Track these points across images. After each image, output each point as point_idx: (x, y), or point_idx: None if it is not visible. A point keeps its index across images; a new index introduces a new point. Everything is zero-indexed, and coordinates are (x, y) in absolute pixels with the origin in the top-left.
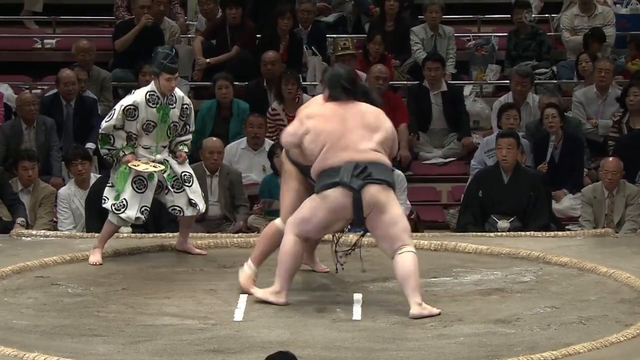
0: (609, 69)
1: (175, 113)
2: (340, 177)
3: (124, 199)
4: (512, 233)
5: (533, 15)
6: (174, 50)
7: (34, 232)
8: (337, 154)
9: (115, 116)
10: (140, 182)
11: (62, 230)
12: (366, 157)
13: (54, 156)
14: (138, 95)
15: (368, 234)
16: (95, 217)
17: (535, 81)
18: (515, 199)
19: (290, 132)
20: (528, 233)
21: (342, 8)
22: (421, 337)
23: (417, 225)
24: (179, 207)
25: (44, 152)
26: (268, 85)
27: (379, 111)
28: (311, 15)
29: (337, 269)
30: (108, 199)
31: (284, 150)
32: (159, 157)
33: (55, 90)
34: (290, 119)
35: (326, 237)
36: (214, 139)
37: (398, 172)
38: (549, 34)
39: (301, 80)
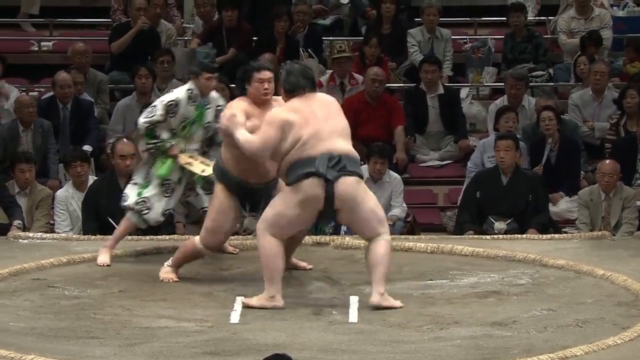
0: (604, 72)
1: (210, 114)
2: (316, 168)
3: (146, 197)
4: (508, 236)
5: (529, 18)
6: (213, 50)
7: (30, 234)
8: (314, 146)
9: (158, 112)
10: (168, 184)
11: (59, 233)
12: (341, 148)
13: (51, 159)
14: (179, 93)
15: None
16: (92, 219)
17: (532, 84)
18: (514, 201)
19: (267, 139)
20: (524, 236)
21: (339, 11)
22: (417, 340)
23: (414, 227)
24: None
25: (41, 155)
26: None
27: (334, 100)
28: (307, 17)
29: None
30: (129, 196)
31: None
32: (200, 158)
33: (51, 93)
34: None
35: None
36: None
37: (394, 174)
38: (546, 36)
39: None
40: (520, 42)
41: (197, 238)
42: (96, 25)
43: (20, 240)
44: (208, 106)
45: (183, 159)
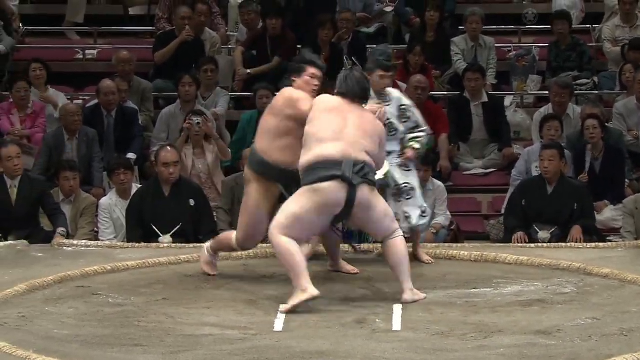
0: None
1: (390, 112)
2: (343, 171)
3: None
4: (552, 244)
5: (574, 26)
6: (389, 49)
7: (75, 242)
8: (334, 146)
9: None
10: None
11: (103, 240)
12: (363, 157)
13: (96, 167)
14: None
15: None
16: (136, 226)
17: (576, 92)
18: (559, 209)
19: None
20: (569, 244)
21: (383, 19)
22: (461, 348)
23: (457, 236)
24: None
25: (85, 163)
26: None
27: (376, 120)
28: (351, 25)
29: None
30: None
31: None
32: None
33: (96, 101)
34: None
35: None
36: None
37: (438, 182)
38: (590, 44)
39: None
40: (564, 50)
41: (233, 236)
42: (141, 33)
43: (64, 247)
44: (386, 104)
45: None
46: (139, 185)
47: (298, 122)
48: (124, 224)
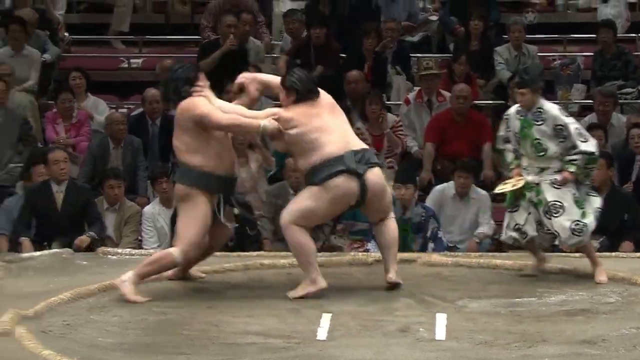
0: None
1: (541, 130)
2: (347, 165)
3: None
4: (597, 254)
5: (619, 35)
6: (541, 66)
7: (119, 250)
8: (331, 143)
9: (501, 126)
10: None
11: (147, 249)
12: (358, 144)
13: (140, 176)
14: (514, 106)
15: None
16: None
17: (621, 101)
18: (608, 219)
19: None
20: (614, 254)
21: (427, 28)
22: (505, 358)
23: (502, 245)
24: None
25: (130, 172)
26: (352, 105)
27: (331, 99)
28: (396, 34)
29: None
30: None
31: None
32: (530, 178)
33: (141, 110)
34: (375, 138)
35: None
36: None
37: (481, 191)
38: (636, 53)
39: (385, 100)
40: (609, 59)
41: (175, 250)
42: (185, 42)
43: (109, 256)
44: (538, 122)
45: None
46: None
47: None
48: (168, 233)
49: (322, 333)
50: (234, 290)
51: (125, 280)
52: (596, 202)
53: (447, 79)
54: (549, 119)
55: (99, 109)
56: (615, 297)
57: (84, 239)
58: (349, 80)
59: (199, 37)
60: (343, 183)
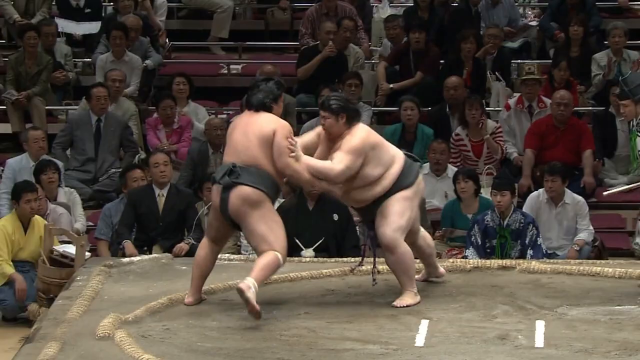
0: None
1: None
2: (415, 164)
3: None
4: None
5: None
6: (638, 76)
7: (218, 255)
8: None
9: None
10: None
11: (245, 254)
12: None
13: None
14: None
15: None
16: None
17: None
18: None
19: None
20: None
21: (527, 33)
22: None
23: (602, 252)
24: None
25: None
26: (451, 111)
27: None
28: (497, 41)
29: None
30: None
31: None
32: None
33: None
34: (474, 144)
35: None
36: None
37: (577, 197)
38: None
39: (484, 106)
40: None
41: (278, 254)
42: (284, 48)
43: None
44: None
45: None
46: (282, 200)
47: None
48: None
49: (420, 339)
50: (332, 296)
51: (251, 286)
52: None
53: (547, 85)
54: None
55: (198, 115)
56: None
57: (182, 247)
58: (448, 87)
59: (298, 43)
60: (421, 181)
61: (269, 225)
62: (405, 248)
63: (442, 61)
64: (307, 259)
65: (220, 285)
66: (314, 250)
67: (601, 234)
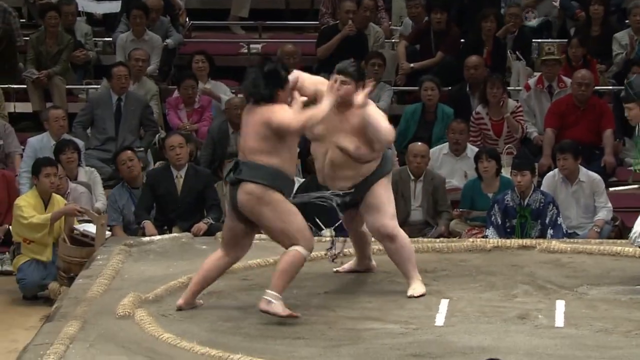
0: None
1: None
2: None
3: None
4: None
5: None
6: None
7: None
8: None
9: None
10: None
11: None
12: None
13: None
14: None
15: None
16: None
17: None
18: None
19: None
20: None
21: (548, 12)
22: (625, 345)
23: (622, 231)
24: None
25: None
26: (471, 91)
27: None
28: (518, 20)
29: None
30: None
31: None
32: None
33: None
34: (494, 123)
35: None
36: (419, 143)
37: (592, 174)
38: None
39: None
40: None
41: (299, 248)
42: (304, 27)
43: None
44: None
45: None
46: (302, 180)
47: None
48: None
49: (440, 319)
50: (352, 276)
51: (271, 300)
52: None
53: (565, 65)
54: None
55: (219, 92)
56: None
57: (201, 226)
58: (469, 66)
59: (318, 22)
60: None
61: (282, 219)
62: (403, 235)
63: (462, 41)
64: (327, 238)
65: (241, 265)
66: (334, 230)
67: (621, 214)
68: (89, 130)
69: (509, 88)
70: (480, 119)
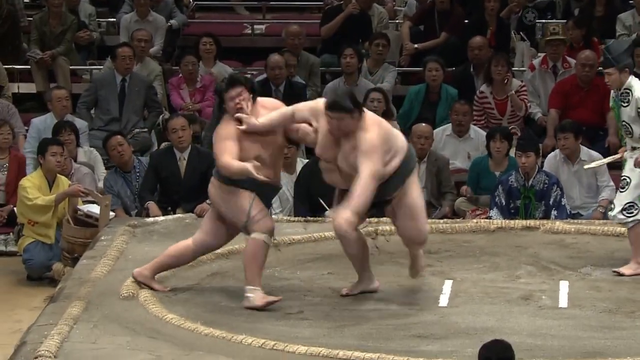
0: None
1: (626, 112)
2: None
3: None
4: None
5: None
6: (622, 43)
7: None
8: None
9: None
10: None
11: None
12: None
13: None
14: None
15: None
16: (303, 201)
17: None
18: None
19: None
20: None
21: None
22: (629, 326)
23: None
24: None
25: None
26: (475, 71)
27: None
28: (522, 0)
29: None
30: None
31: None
32: (625, 154)
33: (265, 75)
34: (498, 102)
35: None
36: (423, 124)
37: (594, 153)
38: None
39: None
40: None
41: (254, 235)
42: (308, 8)
43: None
44: (624, 104)
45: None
46: (306, 160)
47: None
48: (289, 198)
49: (443, 300)
50: None
51: (248, 296)
52: None
53: (567, 46)
54: (633, 101)
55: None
56: None
57: (204, 207)
58: (473, 47)
59: (322, 2)
60: None
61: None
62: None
63: (466, 21)
64: (331, 219)
65: (244, 245)
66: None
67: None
68: (93, 111)
69: (513, 69)
70: (484, 98)
